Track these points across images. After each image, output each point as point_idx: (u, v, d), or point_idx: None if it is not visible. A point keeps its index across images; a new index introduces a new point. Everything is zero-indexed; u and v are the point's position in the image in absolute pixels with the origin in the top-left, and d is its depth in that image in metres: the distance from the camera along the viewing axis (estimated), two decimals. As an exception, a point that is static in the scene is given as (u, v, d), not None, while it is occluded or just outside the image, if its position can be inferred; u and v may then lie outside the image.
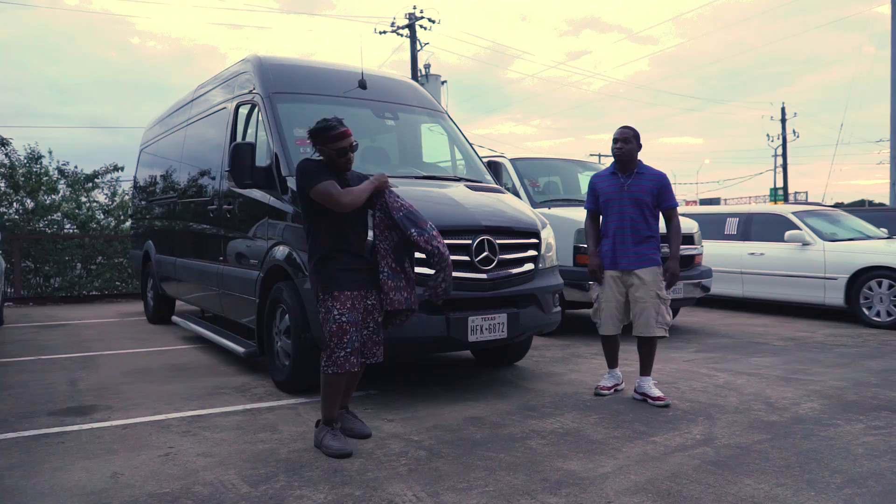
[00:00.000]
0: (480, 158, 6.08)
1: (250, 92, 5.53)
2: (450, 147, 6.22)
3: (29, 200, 11.14)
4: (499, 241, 4.55)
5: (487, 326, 4.43)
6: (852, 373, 5.32)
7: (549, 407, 4.30)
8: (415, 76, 19.80)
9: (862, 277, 8.01)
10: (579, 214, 6.27)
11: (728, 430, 3.75)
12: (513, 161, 8.13)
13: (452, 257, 4.37)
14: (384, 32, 20.30)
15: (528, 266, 4.77)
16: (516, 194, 7.73)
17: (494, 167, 5.94)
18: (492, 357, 5.68)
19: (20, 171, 11.44)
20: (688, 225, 7.74)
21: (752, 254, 9.16)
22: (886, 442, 3.55)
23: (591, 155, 52.59)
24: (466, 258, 4.40)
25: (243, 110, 5.74)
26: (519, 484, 2.97)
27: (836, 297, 8.25)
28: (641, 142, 4.56)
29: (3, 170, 11.45)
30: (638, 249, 4.48)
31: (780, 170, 40.87)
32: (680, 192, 76.78)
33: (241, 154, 4.84)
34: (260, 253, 5.08)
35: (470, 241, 4.42)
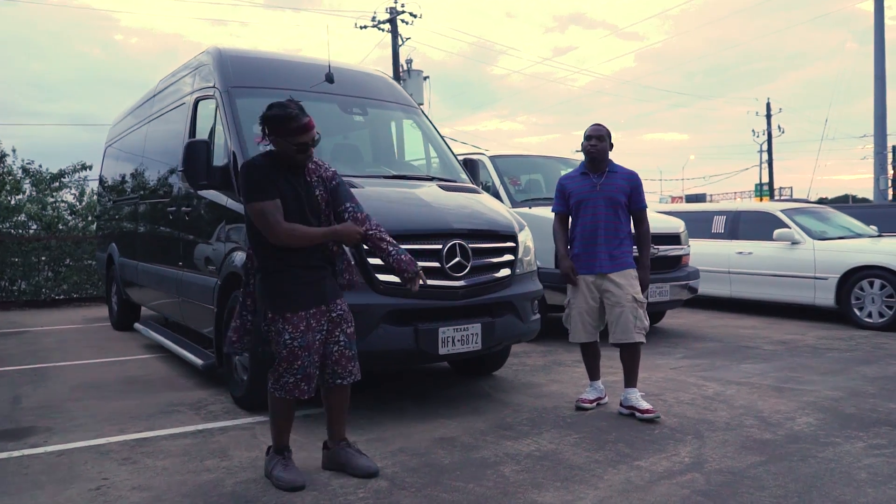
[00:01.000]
0: (456, 156, 5.76)
1: (212, 86, 5.16)
2: (424, 144, 5.89)
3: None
4: (472, 246, 4.23)
5: (460, 338, 4.11)
6: (847, 381, 5.05)
7: (526, 425, 3.99)
8: (396, 71, 19.44)
9: (853, 277, 7.77)
10: None
11: (719, 452, 3.45)
12: (492, 159, 7.81)
13: (421, 264, 4.05)
14: (365, 27, 19.90)
15: (505, 272, 4.45)
16: (496, 193, 7.42)
17: (471, 165, 5.60)
18: (469, 367, 5.35)
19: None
20: (674, 224, 7.46)
21: (741, 253, 8.90)
22: (891, 464, 3.26)
23: (577, 151, 52.54)
24: (436, 264, 4.08)
25: (203, 105, 5.38)
26: (488, 522, 2.65)
27: (826, 297, 8.00)
28: (614, 140, 4.35)
29: None
30: (612, 252, 4.24)
31: (765, 165, 40.88)
32: (666, 188, 76.83)
33: (195, 152, 4.50)
34: (218, 258, 4.73)
35: (440, 246, 4.09)
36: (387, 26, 19.38)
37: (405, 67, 19.67)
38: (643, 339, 4.21)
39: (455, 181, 5.26)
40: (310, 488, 3.00)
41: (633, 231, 4.37)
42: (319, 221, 3.05)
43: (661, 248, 7.00)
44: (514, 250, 4.56)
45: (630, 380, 4.27)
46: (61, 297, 10.83)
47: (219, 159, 4.72)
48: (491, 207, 4.79)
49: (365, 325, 3.72)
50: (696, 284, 7.38)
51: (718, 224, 9.40)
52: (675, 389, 4.84)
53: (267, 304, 3.01)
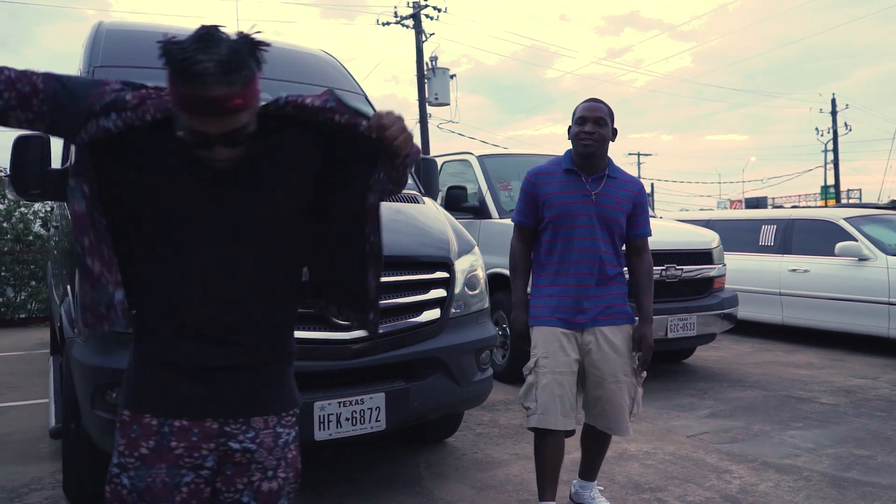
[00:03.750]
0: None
1: (79, 69, 4.02)
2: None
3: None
4: (373, 280, 2.91)
5: (349, 415, 2.81)
6: (940, 467, 3.53)
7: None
8: (420, 69, 18.19)
9: (940, 304, 6.12)
10: None
11: None
12: (480, 158, 6.47)
13: None
14: (387, 24, 18.77)
15: (430, 314, 3.13)
16: (482, 200, 6.08)
17: (425, 167, 4.27)
18: (409, 432, 4.04)
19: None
20: (704, 237, 5.97)
21: (794, 270, 7.29)
22: None
23: (630, 154, 50.14)
24: (311, 309, 2.78)
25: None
26: None
27: (904, 328, 6.35)
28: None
29: None
30: (605, 297, 2.78)
31: (830, 166, 38.09)
32: (724, 192, 73.57)
33: (25, 151, 3.32)
34: (59, 294, 3.57)
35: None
36: (410, 22, 18.21)
37: (430, 65, 18.44)
38: (632, 431, 2.84)
39: (388, 186, 3.94)
40: None
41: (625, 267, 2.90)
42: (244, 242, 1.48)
43: (687, 268, 5.53)
44: (446, 283, 3.22)
45: (591, 472, 2.96)
46: (22, 316, 9.92)
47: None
48: (421, 223, 3.47)
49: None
50: (733, 312, 5.86)
51: (767, 235, 7.79)
52: (685, 479, 3.40)
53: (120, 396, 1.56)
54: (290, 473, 1.55)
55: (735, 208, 29.99)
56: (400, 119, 1.44)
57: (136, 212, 1.44)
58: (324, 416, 2.75)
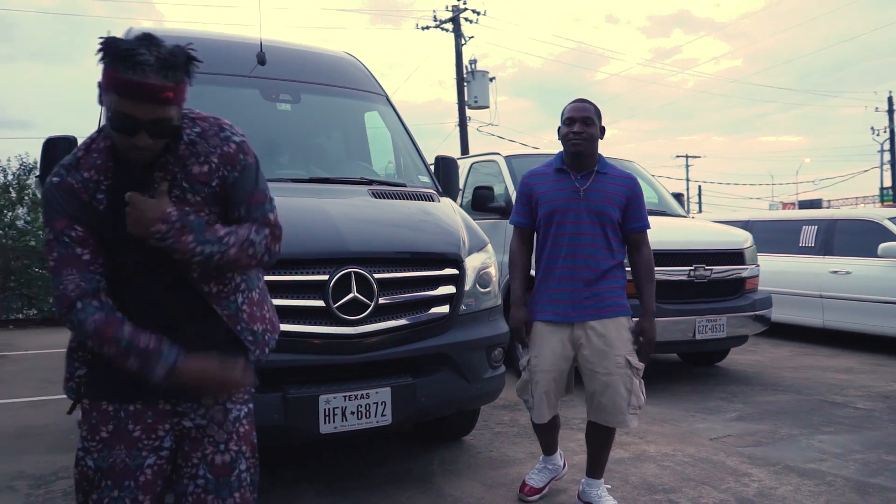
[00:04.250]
0: (421, 154, 4.46)
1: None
2: (394, 141, 4.64)
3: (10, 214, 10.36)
4: (379, 276, 2.95)
5: (354, 409, 2.84)
6: (975, 475, 3.37)
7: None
8: (459, 72, 18.24)
9: None
10: None
11: None
12: (508, 159, 6.46)
13: (298, 302, 2.83)
14: (427, 28, 18.87)
15: (439, 310, 3.14)
16: (508, 200, 6.07)
17: (444, 166, 4.28)
18: (425, 430, 4.06)
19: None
20: (735, 237, 5.83)
21: (835, 272, 7.06)
22: None
23: (678, 156, 49.19)
24: (319, 303, 2.83)
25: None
26: None
27: (951, 332, 6.08)
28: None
29: None
30: (596, 290, 2.81)
31: (887, 167, 36.70)
32: (777, 194, 71.53)
33: (52, 152, 3.45)
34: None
35: (326, 277, 2.84)
36: (449, 26, 18.27)
37: (469, 68, 18.47)
38: (635, 423, 2.82)
39: (404, 185, 3.98)
40: None
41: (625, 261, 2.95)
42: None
43: (716, 268, 5.41)
44: (456, 280, 3.23)
45: (597, 469, 2.95)
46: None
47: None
48: (433, 221, 3.48)
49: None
50: (766, 314, 5.70)
51: (808, 236, 7.56)
52: (701, 481, 3.33)
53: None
54: (244, 447, 1.64)
55: (786, 210, 29.18)
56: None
57: (99, 228, 1.53)
58: (329, 409, 2.78)
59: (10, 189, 11.65)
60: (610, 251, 2.83)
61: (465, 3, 18.21)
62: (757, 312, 5.58)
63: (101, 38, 1.40)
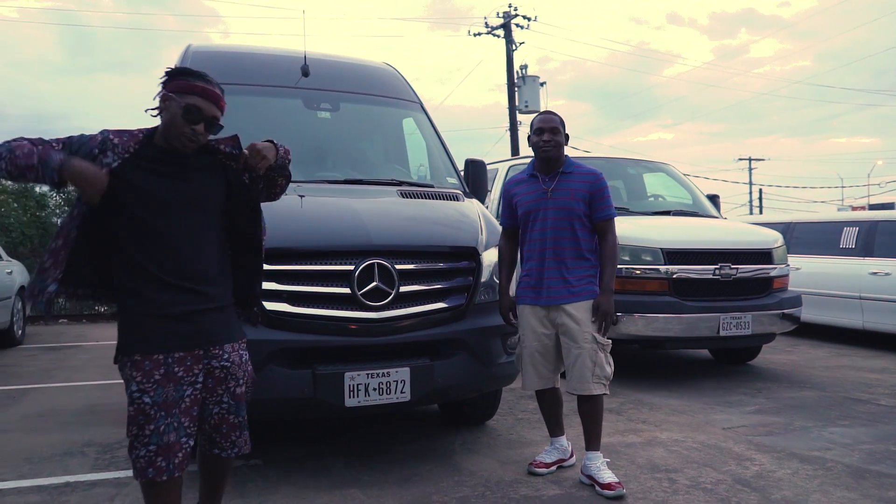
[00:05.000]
0: (451, 157, 4.78)
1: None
2: (427, 146, 4.98)
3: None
4: (401, 267, 3.28)
5: (376, 386, 3.17)
6: (978, 466, 3.46)
7: (448, 509, 2.96)
8: (510, 77, 18.50)
9: None
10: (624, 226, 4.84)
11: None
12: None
13: (326, 289, 3.20)
14: (479, 34, 19.21)
15: (456, 299, 3.45)
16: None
17: (472, 168, 4.58)
18: (451, 412, 4.36)
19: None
20: (765, 237, 5.93)
21: (875, 273, 7.04)
22: None
23: (740, 159, 48.00)
24: (346, 291, 3.18)
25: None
26: None
27: None
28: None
29: None
30: (566, 277, 3.26)
31: (964, 168, 34.99)
32: (846, 198, 68.74)
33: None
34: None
35: (352, 267, 3.19)
36: (501, 31, 18.56)
37: (520, 73, 18.70)
38: (604, 391, 3.23)
39: (432, 186, 4.31)
40: None
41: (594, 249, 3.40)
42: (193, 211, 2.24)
43: (742, 267, 5.54)
44: (473, 272, 3.54)
45: (591, 441, 3.28)
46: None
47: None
48: (455, 218, 3.80)
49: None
50: (795, 313, 5.79)
51: (848, 237, 7.54)
52: (704, 464, 3.54)
53: (118, 344, 2.18)
54: (249, 381, 2.31)
55: (855, 212, 28.26)
56: (253, 147, 2.21)
57: (127, 205, 2.12)
58: (353, 385, 3.13)
59: None
60: (576, 241, 3.26)
61: (515, 10, 18.47)
62: (785, 311, 5.68)
63: (168, 69, 2.18)
